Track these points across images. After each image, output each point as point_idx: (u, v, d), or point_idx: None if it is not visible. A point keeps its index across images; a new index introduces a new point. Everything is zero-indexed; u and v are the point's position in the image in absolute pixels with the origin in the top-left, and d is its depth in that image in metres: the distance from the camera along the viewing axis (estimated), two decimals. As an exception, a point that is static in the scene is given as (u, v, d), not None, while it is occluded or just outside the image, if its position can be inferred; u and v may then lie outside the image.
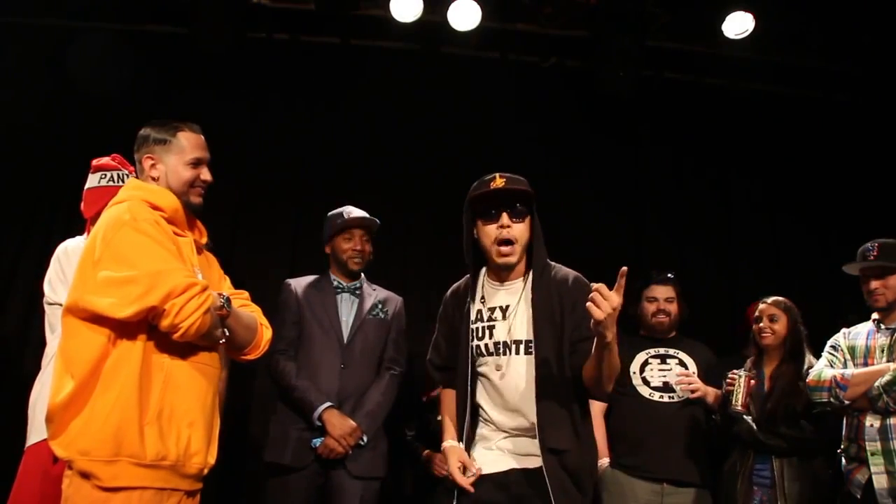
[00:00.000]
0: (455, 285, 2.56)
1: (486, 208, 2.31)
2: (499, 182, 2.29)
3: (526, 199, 2.32)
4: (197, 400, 2.02)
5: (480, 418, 2.40)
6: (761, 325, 3.30)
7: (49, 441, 1.92)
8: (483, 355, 2.37)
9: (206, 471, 2.05)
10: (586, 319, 2.04)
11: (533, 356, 2.28)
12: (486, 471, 2.28)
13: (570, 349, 2.26)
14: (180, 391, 1.98)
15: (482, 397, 2.39)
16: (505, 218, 2.29)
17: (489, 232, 2.31)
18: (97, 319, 1.90)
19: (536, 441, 2.22)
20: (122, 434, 1.86)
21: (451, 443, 2.38)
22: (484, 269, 2.46)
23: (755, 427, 3.14)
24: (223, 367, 3.72)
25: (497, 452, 2.32)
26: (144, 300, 1.86)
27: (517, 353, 2.31)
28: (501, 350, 2.33)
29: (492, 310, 2.39)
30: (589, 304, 1.96)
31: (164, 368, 1.96)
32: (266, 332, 2.26)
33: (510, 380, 2.31)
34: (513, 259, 2.31)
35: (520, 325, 2.32)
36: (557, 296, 2.31)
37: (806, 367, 3.18)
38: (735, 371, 3.14)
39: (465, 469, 2.28)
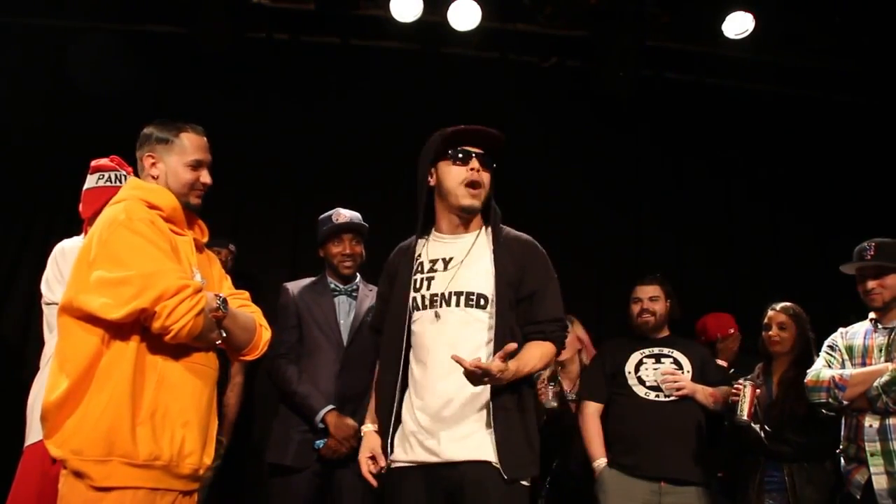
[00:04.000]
0: (402, 244, 2.45)
1: (455, 150, 2.25)
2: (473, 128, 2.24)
3: (494, 152, 2.28)
4: (192, 400, 2.01)
5: (409, 391, 2.24)
6: (771, 332, 3.32)
7: (44, 440, 1.92)
8: (419, 309, 2.24)
9: (201, 471, 2.04)
10: (535, 283, 2.20)
11: (486, 310, 2.18)
12: (406, 458, 2.18)
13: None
14: (175, 391, 1.97)
15: (414, 362, 2.25)
16: (475, 162, 2.23)
17: (456, 173, 2.24)
18: (91, 319, 1.90)
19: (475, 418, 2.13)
20: (114, 434, 1.86)
21: (367, 427, 2.31)
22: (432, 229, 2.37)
23: (762, 435, 3.16)
24: (239, 372, 3.73)
25: (420, 437, 2.17)
26: (136, 302, 1.85)
27: (457, 304, 2.19)
28: (438, 302, 2.21)
29: (433, 261, 2.28)
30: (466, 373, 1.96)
31: (157, 368, 1.96)
32: (265, 334, 2.24)
33: (446, 334, 2.18)
34: (478, 203, 2.24)
35: (463, 277, 2.21)
36: (509, 253, 2.24)
37: None
38: (741, 381, 3.13)
39: (375, 461, 2.22)
